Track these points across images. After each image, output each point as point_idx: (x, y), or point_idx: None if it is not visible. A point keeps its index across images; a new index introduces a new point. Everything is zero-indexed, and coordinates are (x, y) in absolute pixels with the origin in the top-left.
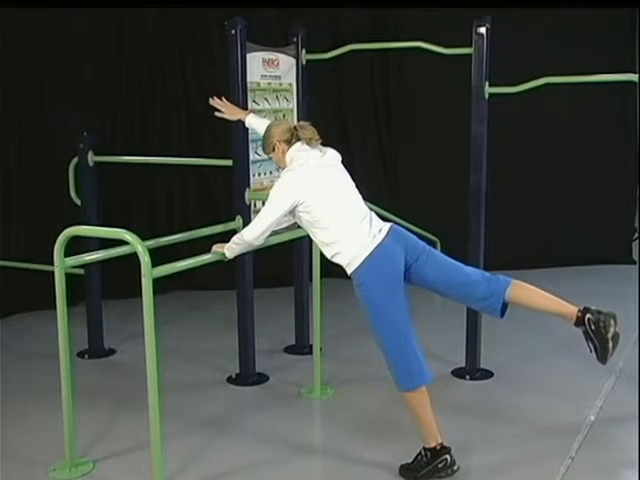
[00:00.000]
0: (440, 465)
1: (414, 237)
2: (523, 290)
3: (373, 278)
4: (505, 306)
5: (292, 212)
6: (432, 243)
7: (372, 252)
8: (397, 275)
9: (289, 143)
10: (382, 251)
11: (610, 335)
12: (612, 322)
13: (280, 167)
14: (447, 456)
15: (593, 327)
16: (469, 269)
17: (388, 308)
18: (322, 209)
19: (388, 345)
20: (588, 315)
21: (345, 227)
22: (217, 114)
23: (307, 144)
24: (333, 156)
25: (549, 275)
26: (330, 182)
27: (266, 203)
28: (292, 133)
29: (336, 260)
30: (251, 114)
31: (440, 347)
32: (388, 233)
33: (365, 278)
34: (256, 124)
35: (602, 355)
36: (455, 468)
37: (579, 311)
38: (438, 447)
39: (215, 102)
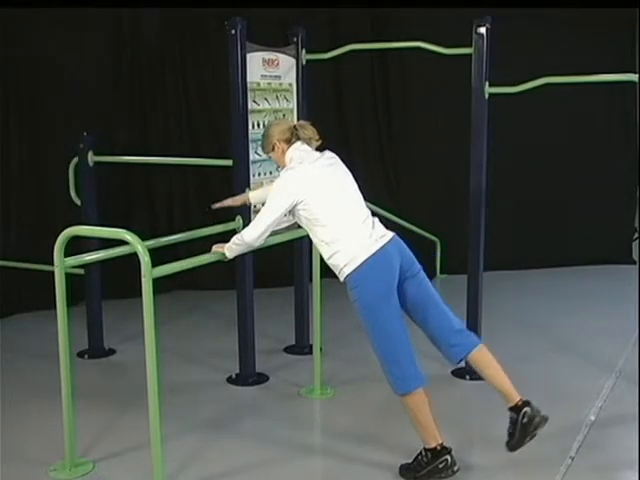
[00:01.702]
0: (441, 466)
1: (412, 255)
2: (484, 358)
3: (368, 281)
4: (462, 359)
5: (292, 211)
6: (432, 243)
7: (372, 255)
8: (392, 281)
9: (289, 142)
10: (382, 256)
11: (533, 434)
12: (542, 425)
13: (279, 166)
14: (448, 457)
15: (525, 420)
16: (452, 314)
17: (381, 312)
18: (321, 206)
19: (382, 349)
20: (527, 409)
21: (345, 226)
22: (222, 207)
23: (307, 144)
24: (332, 156)
25: (549, 275)
26: (330, 180)
27: (265, 203)
28: (292, 132)
29: (334, 261)
30: (250, 192)
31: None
32: (391, 240)
33: (360, 281)
34: (259, 195)
35: (514, 445)
36: (455, 469)
37: (520, 400)
38: (439, 448)
39: (216, 206)
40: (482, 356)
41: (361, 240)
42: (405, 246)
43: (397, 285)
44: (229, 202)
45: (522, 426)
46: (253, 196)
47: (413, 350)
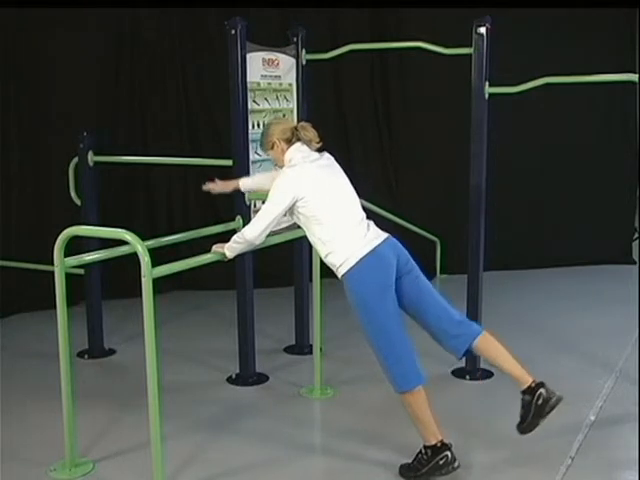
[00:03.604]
0: (441, 462)
1: (408, 254)
2: (490, 346)
3: (363, 281)
4: (468, 351)
5: (291, 210)
6: (432, 243)
7: (367, 254)
8: (387, 281)
9: (289, 142)
10: (376, 256)
11: (547, 416)
12: (557, 405)
13: (277, 165)
14: (448, 453)
15: (540, 402)
16: (450, 306)
17: (379, 312)
18: (320, 204)
19: (382, 348)
20: (542, 390)
21: (341, 225)
22: (212, 192)
23: (307, 145)
24: (330, 157)
25: (549, 275)
26: (329, 180)
27: (267, 200)
28: (293, 133)
29: (330, 259)
30: (243, 178)
31: (440, 347)
32: (385, 240)
33: (355, 280)
34: (251, 183)
35: (526, 428)
36: (456, 465)
37: (534, 382)
38: (438, 444)
39: (208, 187)
40: (487, 344)
41: (356, 240)
42: (400, 245)
43: (394, 283)
44: (221, 186)
45: (537, 408)
46: (243, 183)
47: (413, 348)
